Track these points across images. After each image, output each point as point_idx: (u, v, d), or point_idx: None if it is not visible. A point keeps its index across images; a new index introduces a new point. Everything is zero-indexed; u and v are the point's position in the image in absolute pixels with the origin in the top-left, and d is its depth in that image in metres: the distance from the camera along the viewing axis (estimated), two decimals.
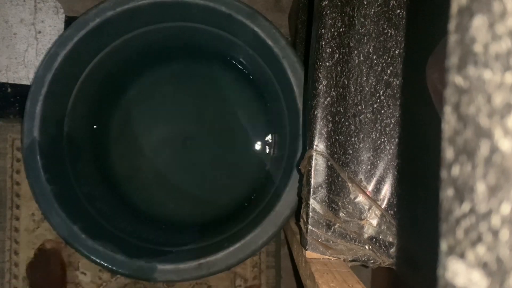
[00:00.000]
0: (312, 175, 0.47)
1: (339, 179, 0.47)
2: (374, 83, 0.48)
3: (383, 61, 0.48)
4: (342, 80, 0.48)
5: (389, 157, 0.47)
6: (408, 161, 0.47)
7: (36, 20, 0.88)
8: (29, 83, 0.87)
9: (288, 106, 0.71)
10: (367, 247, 0.46)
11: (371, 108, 0.47)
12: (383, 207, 0.47)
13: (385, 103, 0.48)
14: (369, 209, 0.46)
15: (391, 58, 0.48)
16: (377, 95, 0.48)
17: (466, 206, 0.13)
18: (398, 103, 0.47)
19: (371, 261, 0.47)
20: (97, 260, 0.67)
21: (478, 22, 0.13)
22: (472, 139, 0.13)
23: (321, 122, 0.47)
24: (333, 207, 0.47)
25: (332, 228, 0.46)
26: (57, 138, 0.72)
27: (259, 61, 0.74)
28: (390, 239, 0.46)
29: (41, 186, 0.67)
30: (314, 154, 0.47)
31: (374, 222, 0.46)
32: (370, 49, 0.48)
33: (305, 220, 0.47)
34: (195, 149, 0.86)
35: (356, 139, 0.47)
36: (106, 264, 0.67)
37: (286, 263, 0.92)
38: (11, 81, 0.88)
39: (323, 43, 0.48)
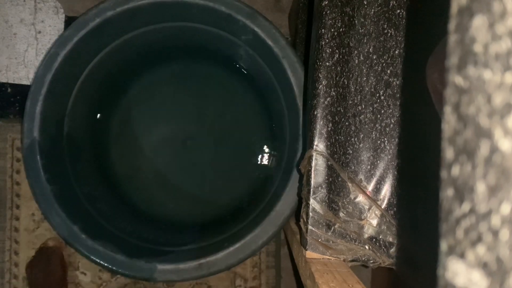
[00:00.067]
0: (312, 175, 0.47)
1: (339, 179, 0.47)
2: (374, 83, 0.48)
3: (383, 61, 0.48)
4: (342, 80, 0.48)
5: (389, 157, 0.47)
6: (408, 161, 0.47)
7: (36, 20, 0.88)
8: (29, 83, 0.87)
9: (288, 106, 0.71)
10: (367, 247, 0.46)
11: (371, 108, 0.47)
12: (383, 207, 0.47)
13: (385, 103, 0.48)
14: (369, 209, 0.46)
15: (391, 58, 0.48)
16: (377, 95, 0.48)
17: (466, 206, 0.13)
18: (398, 103, 0.47)
19: (371, 261, 0.47)
20: (97, 260, 0.67)
21: (478, 22, 0.13)
22: (472, 139, 0.13)
23: (321, 122, 0.47)
24: (333, 207, 0.47)
25: (332, 228, 0.46)
26: (57, 138, 0.72)
27: (259, 61, 0.74)
28: (390, 239, 0.46)
29: (41, 186, 0.67)
30: (314, 154, 0.47)
31: (374, 222, 0.46)
32: (370, 49, 0.48)
33: (305, 220, 0.47)
34: (195, 149, 0.86)
35: (356, 139, 0.47)
36: (106, 264, 0.67)
37: (286, 263, 0.92)
38: (11, 81, 0.88)
39: (323, 43, 0.48)
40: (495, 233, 0.12)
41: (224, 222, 0.79)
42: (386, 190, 0.47)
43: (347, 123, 0.47)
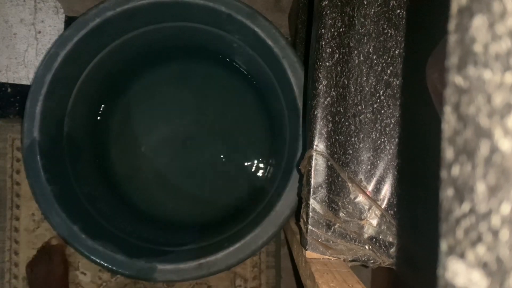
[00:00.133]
0: (312, 175, 0.47)
1: (339, 179, 0.47)
2: (374, 83, 0.48)
3: (383, 61, 0.48)
4: (342, 80, 0.48)
5: (389, 157, 0.47)
6: (408, 161, 0.47)
7: (36, 20, 0.88)
8: (29, 83, 0.87)
9: (288, 106, 0.71)
10: (367, 247, 0.46)
11: (371, 108, 0.47)
12: (383, 207, 0.47)
13: (385, 103, 0.48)
14: (369, 209, 0.46)
15: (391, 58, 0.48)
16: (377, 95, 0.48)
17: (466, 206, 0.13)
18: (398, 103, 0.47)
19: (371, 261, 0.47)
20: (97, 260, 0.67)
21: (478, 22, 0.13)
22: (472, 139, 0.13)
23: (321, 122, 0.47)
24: (333, 207, 0.47)
25: (332, 228, 0.46)
26: (57, 138, 0.72)
27: (259, 61, 0.74)
28: (390, 239, 0.46)
29: (41, 186, 0.67)
30: (314, 154, 0.47)
31: (374, 222, 0.46)
32: (370, 49, 0.48)
33: (305, 220, 0.47)
34: (195, 149, 0.86)
35: (356, 139, 0.47)
36: (106, 264, 0.67)
37: (286, 263, 0.92)
38: (11, 81, 0.88)
39: (323, 43, 0.48)
40: (495, 233, 0.12)
41: (224, 222, 0.79)
42: (386, 190, 0.47)
43: (347, 123, 0.47)
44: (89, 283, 0.87)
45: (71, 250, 0.84)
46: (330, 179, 0.47)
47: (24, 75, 0.88)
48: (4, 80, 0.88)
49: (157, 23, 0.73)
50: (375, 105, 0.47)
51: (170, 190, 0.85)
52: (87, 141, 0.79)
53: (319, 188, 0.47)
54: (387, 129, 0.47)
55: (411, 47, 0.47)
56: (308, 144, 0.49)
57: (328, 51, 0.48)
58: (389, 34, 0.48)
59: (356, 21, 0.48)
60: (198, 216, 0.85)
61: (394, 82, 0.48)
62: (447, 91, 0.14)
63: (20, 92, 0.88)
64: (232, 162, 0.86)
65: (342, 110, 0.48)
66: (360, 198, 0.47)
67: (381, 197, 0.47)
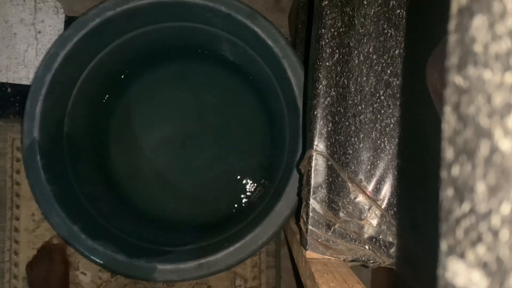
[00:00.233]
0: (312, 175, 0.47)
1: (339, 179, 0.47)
2: (374, 83, 0.48)
3: (383, 61, 0.48)
4: (342, 80, 0.48)
5: (389, 157, 0.47)
6: (408, 161, 0.47)
7: (36, 20, 0.88)
8: (29, 83, 0.87)
9: (288, 106, 0.71)
10: (367, 247, 0.46)
11: (371, 108, 0.47)
12: (383, 207, 0.47)
13: (385, 103, 0.48)
14: (369, 209, 0.46)
15: (391, 58, 0.48)
16: (377, 95, 0.48)
17: (466, 206, 0.13)
18: (398, 103, 0.47)
19: (371, 261, 0.47)
20: (97, 260, 0.67)
21: (478, 22, 0.13)
22: (472, 139, 0.13)
23: (321, 122, 0.47)
24: (333, 207, 0.47)
25: (332, 228, 0.46)
26: (57, 138, 0.72)
27: (259, 61, 0.74)
28: (390, 239, 0.46)
29: (41, 186, 0.67)
30: (314, 154, 0.47)
31: (374, 222, 0.46)
32: (370, 49, 0.48)
33: (305, 220, 0.47)
34: (195, 149, 0.86)
35: (356, 139, 0.47)
36: (106, 264, 0.67)
37: (286, 263, 0.92)
38: (11, 81, 0.88)
39: (323, 43, 0.48)
40: (495, 233, 0.12)
41: (224, 222, 0.79)
42: (386, 190, 0.47)
43: (347, 123, 0.47)
44: (89, 283, 0.87)
45: (71, 250, 0.84)
46: (330, 179, 0.47)
47: (24, 75, 0.88)
48: (4, 80, 0.88)
49: (157, 23, 0.73)
50: (375, 105, 0.47)
51: (170, 190, 0.85)
52: (87, 141, 0.79)
53: (319, 188, 0.47)
54: (387, 129, 0.47)
55: (411, 47, 0.47)
56: (308, 144, 0.49)
57: (328, 51, 0.48)
58: (389, 34, 0.48)
59: (356, 21, 0.48)
60: (198, 216, 0.85)
61: (394, 82, 0.48)
62: (447, 91, 0.14)
63: (20, 92, 0.88)
64: (232, 162, 0.86)
65: (342, 110, 0.48)
66: (360, 198, 0.47)
67: (381, 197, 0.47)
